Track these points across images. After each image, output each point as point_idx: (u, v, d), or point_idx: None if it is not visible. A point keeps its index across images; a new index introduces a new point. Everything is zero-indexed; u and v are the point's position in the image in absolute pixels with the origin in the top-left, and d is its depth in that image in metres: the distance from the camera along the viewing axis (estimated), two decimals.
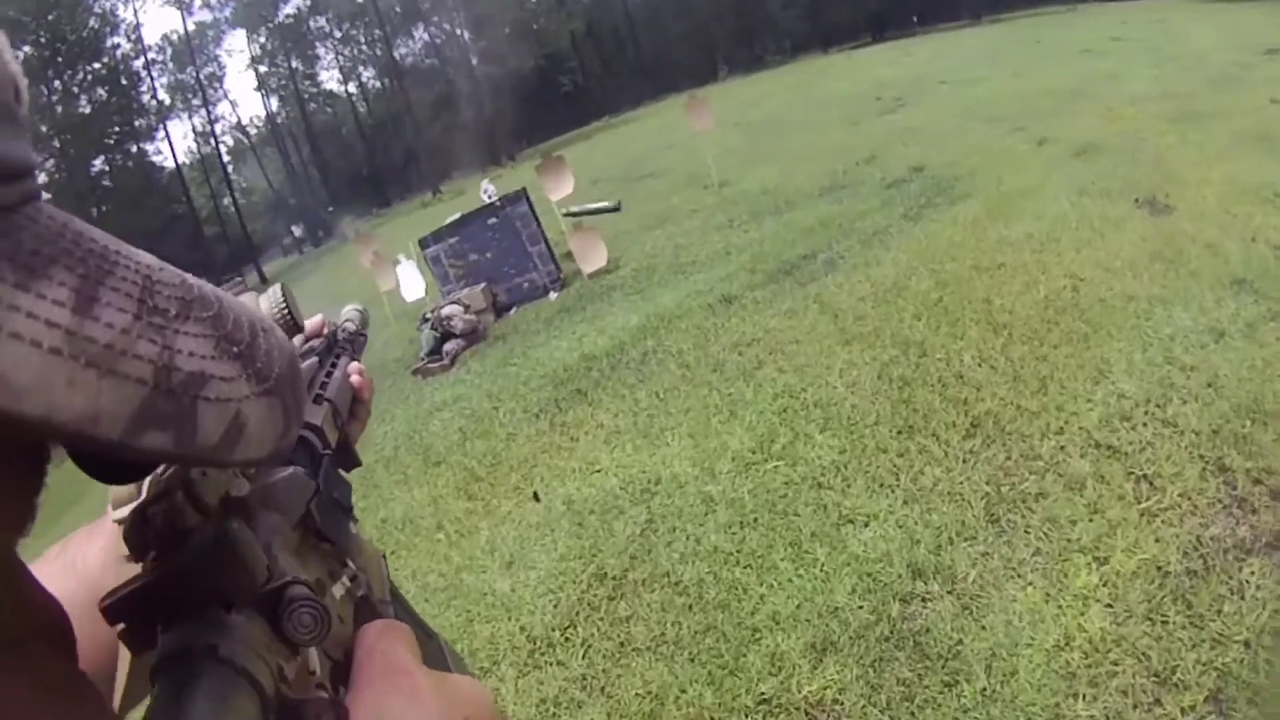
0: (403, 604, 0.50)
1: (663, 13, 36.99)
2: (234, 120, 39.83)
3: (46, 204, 0.25)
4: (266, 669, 0.29)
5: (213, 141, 36.13)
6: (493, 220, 6.86)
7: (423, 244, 7.11)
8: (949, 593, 2.10)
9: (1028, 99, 9.74)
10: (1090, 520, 2.22)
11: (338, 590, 0.39)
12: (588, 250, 6.62)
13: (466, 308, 6.40)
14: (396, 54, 39.33)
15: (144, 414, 0.23)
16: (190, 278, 0.29)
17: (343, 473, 0.51)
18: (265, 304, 0.51)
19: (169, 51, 35.32)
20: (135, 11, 38.03)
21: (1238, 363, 2.76)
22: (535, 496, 3.15)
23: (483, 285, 6.74)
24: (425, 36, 39.58)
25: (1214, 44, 12.18)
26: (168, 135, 34.58)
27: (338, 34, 39.94)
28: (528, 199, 6.81)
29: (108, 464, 0.28)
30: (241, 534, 0.31)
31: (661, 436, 3.34)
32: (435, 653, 0.48)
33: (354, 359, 0.65)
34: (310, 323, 0.63)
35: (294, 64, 38.77)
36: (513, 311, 6.81)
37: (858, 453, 2.82)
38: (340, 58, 40.50)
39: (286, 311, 0.51)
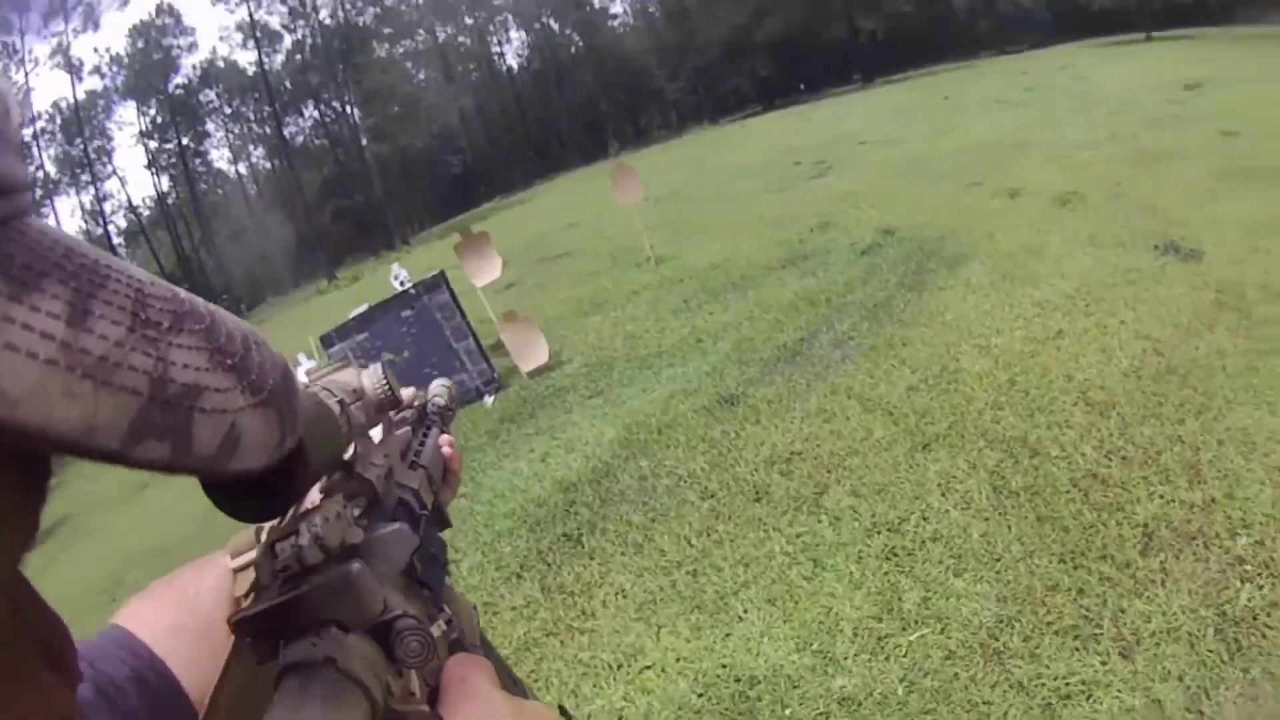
0: (491, 651, 0.66)
1: (550, 89, 44.07)
2: (124, 199, 45.77)
3: (36, 219, 0.30)
4: (377, 681, 0.40)
5: (102, 221, 41.78)
6: (407, 312, 6.67)
7: (326, 341, 7.12)
8: None
9: (966, 154, 11.07)
10: None
11: (435, 631, 0.49)
12: (524, 343, 6.46)
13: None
14: (286, 132, 45.93)
15: (140, 425, 0.28)
16: (182, 291, 0.34)
17: (438, 533, 0.65)
18: (368, 380, 0.62)
19: (58, 121, 41.20)
20: (26, 75, 42.39)
21: None
22: (563, 713, 2.58)
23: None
24: (315, 114, 46.48)
25: (1131, 85, 14.74)
26: (54, 212, 39.55)
27: (228, 109, 46.78)
28: (447, 284, 6.60)
29: (250, 501, 0.40)
30: (363, 572, 0.43)
31: (725, 606, 2.93)
32: (519, 692, 0.64)
33: (444, 431, 0.84)
34: (403, 395, 0.77)
35: (184, 140, 44.92)
36: None
37: (1023, 599, 2.63)
38: (230, 135, 47.51)
39: (387, 387, 0.62)
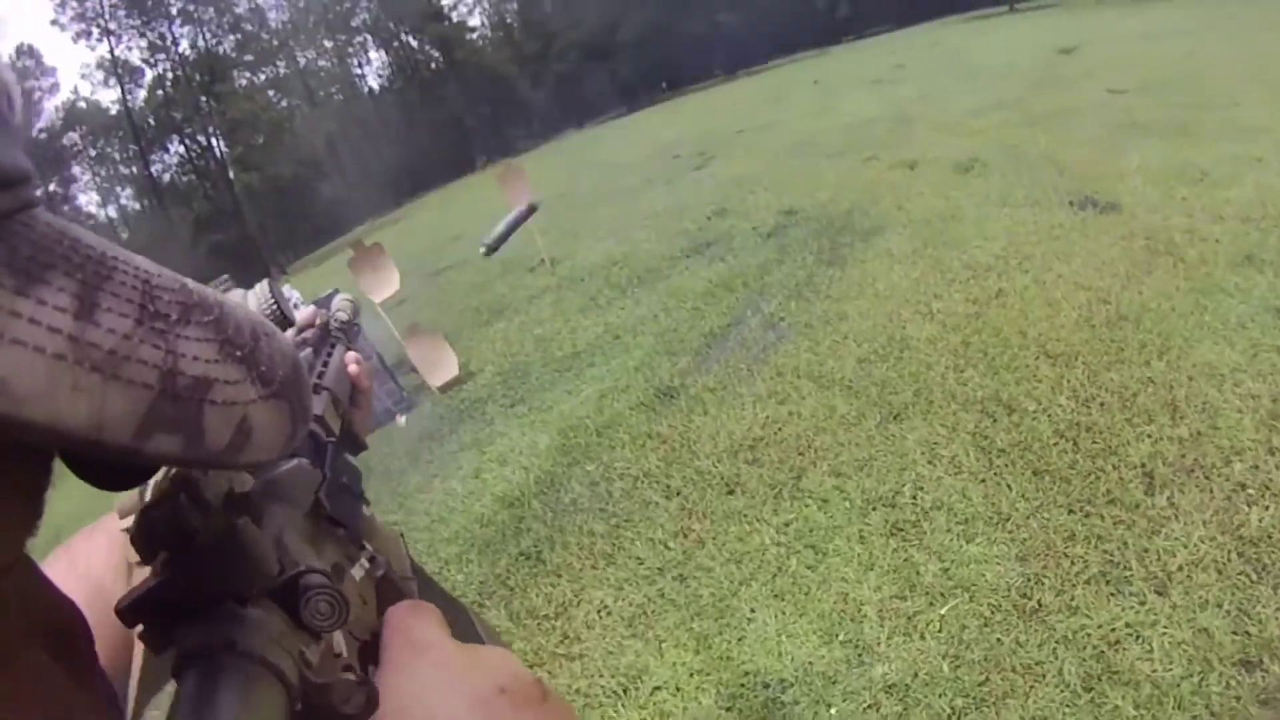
0: (425, 579, 0.65)
1: (414, 107, 47.09)
2: None
3: (42, 211, 0.32)
4: (288, 656, 0.38)
5: None
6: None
7: None
8: None
9: (853, 130, 11.76)
10: None
11: (356, 572, 0.51)
12: (432, 358, 6.39)
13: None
14: (154, 170, 48.51)
15: (151, 418, 0.30)
16: (190, 282, 0.36)
17: (350, 459, 0.65)
18: (253, 301, 0.65)
19: None
20: None
21: None
22: None
23: None
24: (181, 150, 48.85)
25: (1006, 53, 16.14)
26: None
27: (93, 151, 48.94)
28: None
29: (107, 471, 0.35)
30: (246, 529, 0.41)
31: (728, 608, 2.87)
32: (465, 625, 0.63)
33: (349, 348, 0.85)
34: (302, 314, 0.83)
35: (51, 187, 45.06)
36: None
37: (1044, 554, 2.75)
38: (97, 177, 49.56)
39: (275, 307, 0.64)
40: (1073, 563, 2.68)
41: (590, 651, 2.92)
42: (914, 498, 3.21)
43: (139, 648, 0.45)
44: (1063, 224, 5.72)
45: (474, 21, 57.49)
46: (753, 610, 2.86)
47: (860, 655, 2.55)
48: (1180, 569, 2.55)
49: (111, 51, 46.50)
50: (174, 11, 47.65)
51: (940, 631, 2.54)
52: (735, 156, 12.75)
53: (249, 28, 51.30)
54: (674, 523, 3.52)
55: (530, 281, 8.93)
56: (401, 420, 6.45)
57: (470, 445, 5.27)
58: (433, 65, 54.43)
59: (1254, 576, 2.46)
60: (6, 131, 0.31)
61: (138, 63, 47.56)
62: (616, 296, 7.18)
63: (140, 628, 0.40)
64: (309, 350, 0.79)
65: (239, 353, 0.35)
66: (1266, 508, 2.72)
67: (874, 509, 3.20)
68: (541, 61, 49.78)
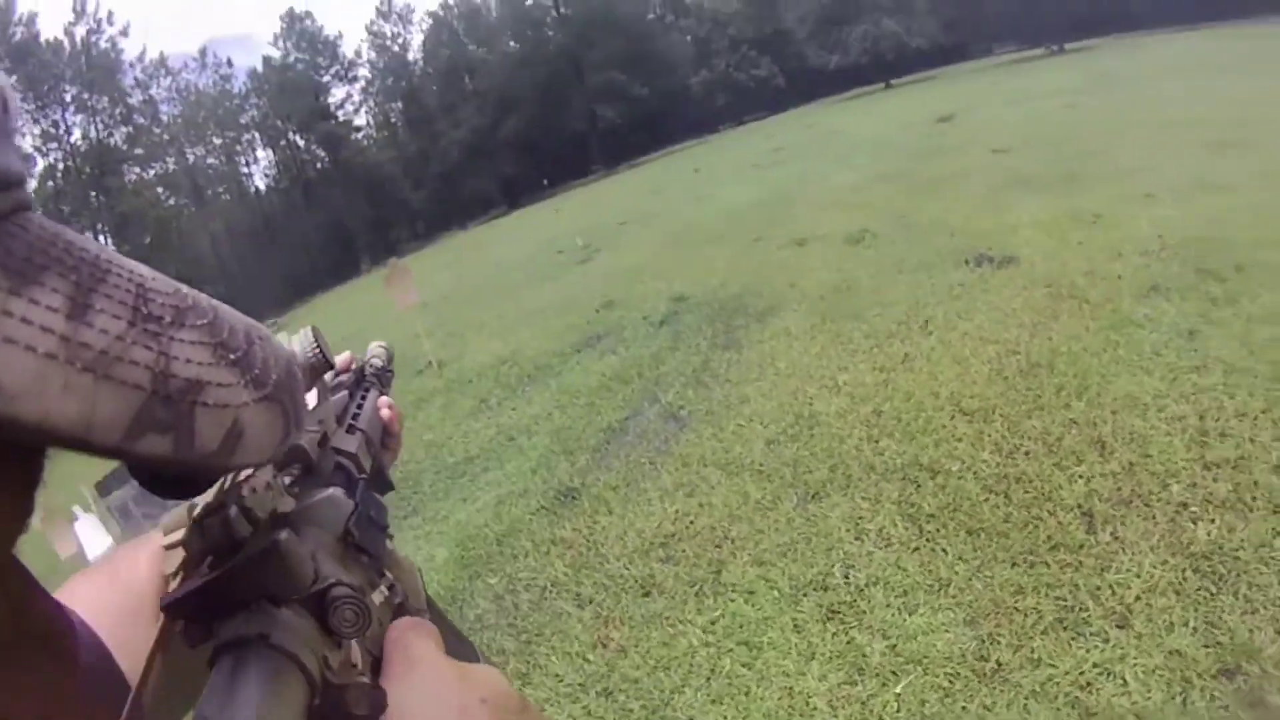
0: (437, 612, 0.72)
1: (299, 208, 49.04)
2: None
3: (37, 214, 0.34)
4: (313, 656, 0.43)
5: None
6: None
7: (102, 489, 7.53)
8: None
9: (737, 215, 12.19)
10: None
11: (377, 597, 0.57)
12: None
13: None
14: None
15: (142, 419, 0.32)
16: (184, 287, 0.39)
17: (378, 496, 0.70)
18: (298, 345, 0.70)
19: None
20: None
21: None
22: None
23: None
24: None
25: (884, 128, 17.33)
26: None
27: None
28: None
29: (170, 483, 0.41)
30: (290, 541, 0.46)
31: None
32: (468, 654, 0.70)
33: (382, 393, 0.93)
34: (339, 360, 0.91)
35: None
36: None
37: (993, 613, 2.63)
38: None
39: (318, 349, 0.70)
40: (1025, 615, 2.64)
41: None
42: (846, 577, 3.13)
43: (157, 656, 0.48)
44: (961, 283, 5.98)
45: (359, 121, 59.46)
46: (691, 719, 2.65)
47: None
48: (1138, 599, 2.59)
49: None
50: (68, 98, 48.64)
51: (899, 712, 2.43)
52: (620, 249, 13.03)
53: (141, 120, 52.31)
54: (589, 633, 3.30)
55: (418, 385, 8.72)
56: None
57: None
58: (318, 165, 56.13)
59: (1213, 589, 2.53)
60: (2, 136, 0.33)
61: (29, 149, 45.58)
62: (507, 396, 7.08)
63: (181, 623, 0.45)
64: (344, 393, 0.85)
65: (232, 356, 0.37)
66: (1212, 520, 2.82)
67: (805, 594, 3.10)
68: (424, 160, 51.61)
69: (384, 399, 0.91)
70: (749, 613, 3.12)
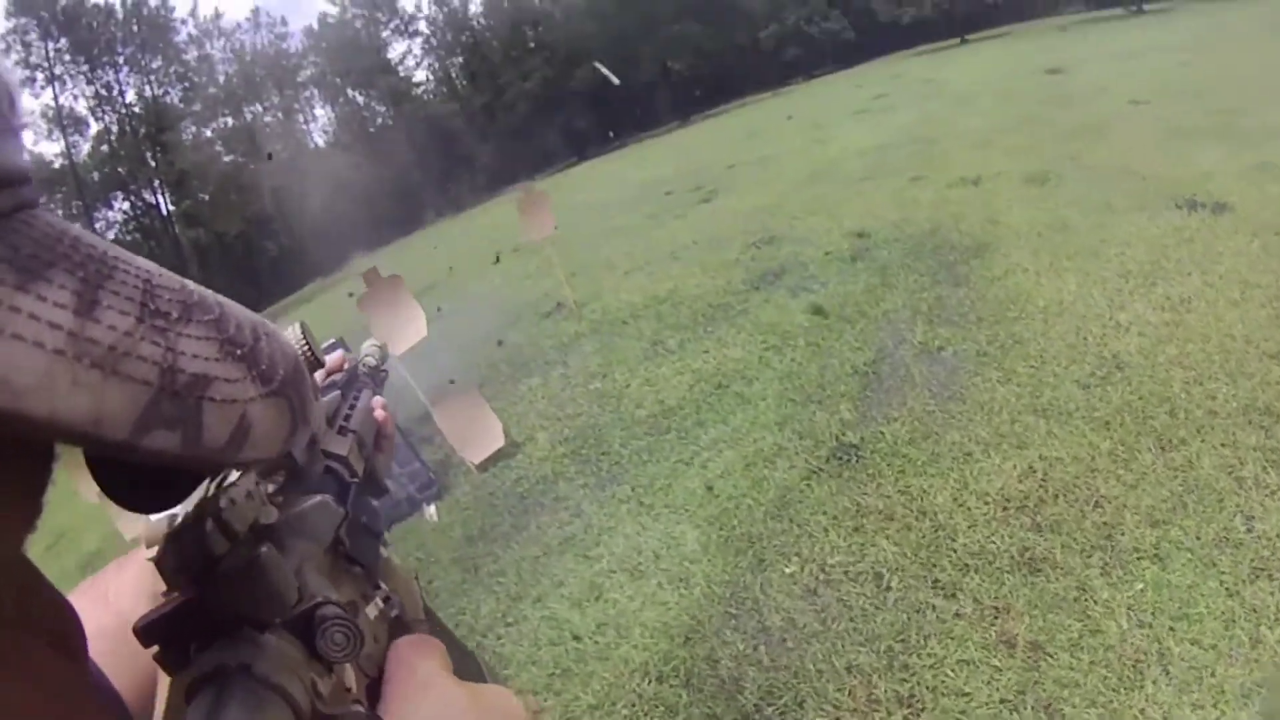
0: (437, 623, 0.74)
1: (364, 164, 48.86)
2: None
3: (44, 211, 0.33)
4: (300, 685, 0.40)
5: None
6: None
7: None
8: None
9: (873, 156, 11.16)
10: None
11: (371, 611, 0.54)
12: (468, 427, 5.06)
13: None
14: (97, 227, 45.64)
15: (150, 414, 0.31)
16: (190, 283, 0.38)
17: (371, 501, 0.70)
18: None
19: None
20: None
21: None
22: None
23: None
24: (125, 207, 48.90)
25: (984, 79, 16.40)
26: None
27: None
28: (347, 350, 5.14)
29: (140, 494, 0.40)
30: (270, 558, 0.43)
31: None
32: (473, 669, 0.73)
33: (375, 393, 0.92)
34: (331, 359, 0.90)
35: None
36: None
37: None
38: None
39: (306, 347, 0.66)
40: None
41: None
42: (1249, 529, 2.80)
43: (164, 680, 0.43)
44: (1184, 226, 5.53)
45: (419, 76, 58.92)
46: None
47: None
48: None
49: (56, 99, 46.06)
50: (121, 59, 47.78)
51: None
52: (740, 190, 12.28)
53: (196, 79, 51.61)
54: (981, 630, 2.70)
55: (552, 329, 7.84)
56: (430, 511, 5.09)
57: (558, 548, 4.09)
58: (379, 120, 55.80)
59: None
60: (6, 131, 0.32)
61: (83, 113, 47.09)
62: (688, 338, 6.28)
63: (156, 649, 0.42)
64: (336, 393, 0.81)
65: (239, 351, 0.37)
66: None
67: (1221, 553, 2.74)
68: (489, 114, 51.24)
69: (378, 399, 0.88)
70: (1172, 581, 2.68)
